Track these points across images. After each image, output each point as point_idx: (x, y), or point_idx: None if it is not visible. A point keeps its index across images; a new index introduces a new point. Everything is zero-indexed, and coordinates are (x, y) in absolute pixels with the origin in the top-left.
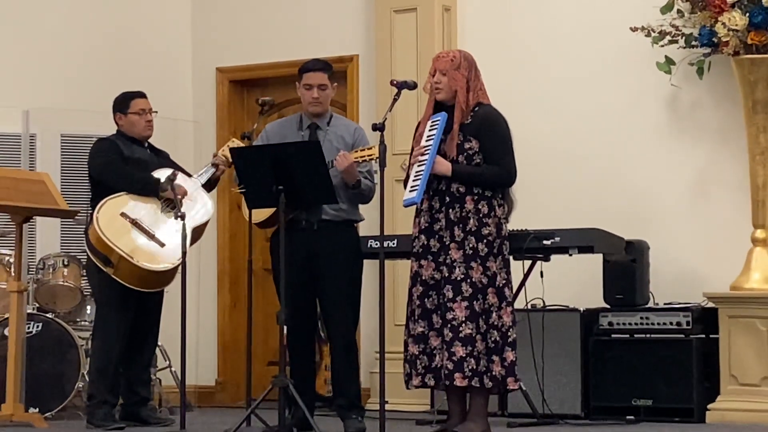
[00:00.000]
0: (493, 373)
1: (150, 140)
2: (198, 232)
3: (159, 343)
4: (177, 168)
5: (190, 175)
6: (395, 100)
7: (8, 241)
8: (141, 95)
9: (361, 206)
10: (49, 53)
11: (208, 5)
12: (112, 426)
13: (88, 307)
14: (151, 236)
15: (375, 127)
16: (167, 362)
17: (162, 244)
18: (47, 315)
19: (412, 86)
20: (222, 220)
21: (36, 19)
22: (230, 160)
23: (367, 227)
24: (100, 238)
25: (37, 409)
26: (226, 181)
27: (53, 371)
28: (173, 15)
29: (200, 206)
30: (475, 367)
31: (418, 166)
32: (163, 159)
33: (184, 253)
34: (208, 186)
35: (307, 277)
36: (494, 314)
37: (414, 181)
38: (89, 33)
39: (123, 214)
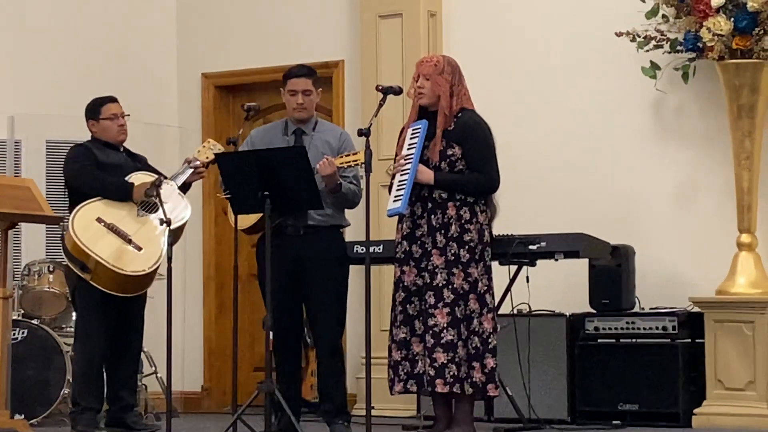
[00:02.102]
0: (474, 379)
1: (135, 145)
2: (177, 234)
3: (145, 349)
4: (154, 172)
5: (165, 178)
6: (381, 105)
7: None
8: (112, 100)
9: (347, 211)
10: (34, 59)
11: (193, 11)
12: None
13: (74, 314)
14: (128, 240)
15: (361, 133)
16: (153, 368)
17: (139, 248)
18: (33, 321)
19: (398, 91)
20: (208, 225)
21: (20, 25)
22: (205, 162)
23: (353, 232)
24: (76, 244)
25: (23, 416)
26: (211, 187)
27: (39, 378)
28: (158, 21)
29: (177, 208)
30: (456, 373)
31: (401, 175)
32: (139, 163)
33: (169, 258)
34: (184, 188)
35: (293, 283)
36: (475, 320)
37: (398, 190)
38: (74, 39)
39: (99, 219)
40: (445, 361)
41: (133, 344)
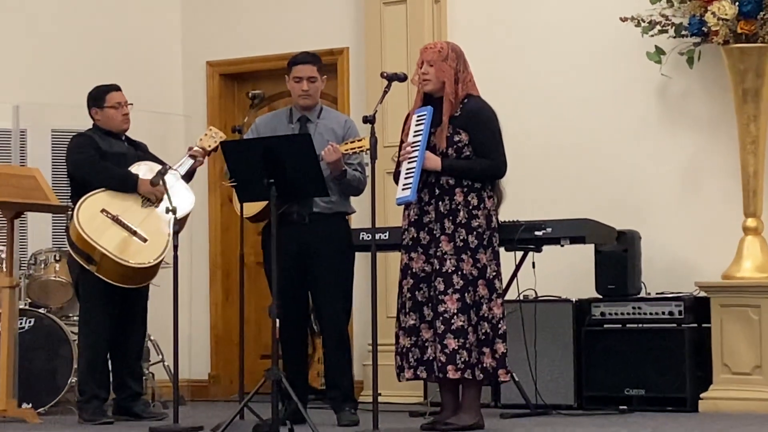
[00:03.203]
0: (484, 365)
1: (140, 134)
2: (181, 223)
3: (151, 338)
4: (155, 160)
5: (170, 167)
6: (386, 92)
7: None
8: (116, 88)
9: (352, 198)
10: (39, 48)
11: None
12: (101, 420)
13: None
14: (133, 232)
15: (366, 120)
16: (160, 356)
17: (144, 240)
18: (39, 310)
19: (403, 78)
20: (213, 214)
21: (26, 14)
22: (207, 150)
23: (358, 219)
24: (81, 236)
25: (30, 405)
26: (217, 175)
27: (46, 367)
28: (163, 9)
29: (181, 198)
30: (467, 359)
31: (409, 163)
32: (141, 151)
33: (175, 247)
34: (187, 177)
35: (299, 270)
36: (484, 306)
37: (406, 178)
38: (79, 28)
39: (103, 211)
40: (456, 347)
41: (137, 332)
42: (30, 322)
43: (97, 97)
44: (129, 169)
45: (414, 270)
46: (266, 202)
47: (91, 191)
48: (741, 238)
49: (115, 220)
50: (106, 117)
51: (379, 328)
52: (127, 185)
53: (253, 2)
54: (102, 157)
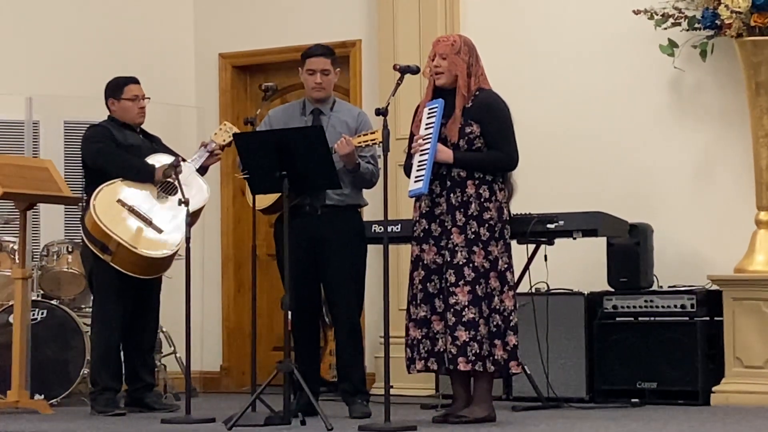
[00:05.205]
0: (496, 357)
1: (152, 126)
2: (195, 216)
3: (164, 329)
4: (170, 152)
5: (184, 160)
6: (398, 84)
7: (12, 228)
8: (134, 81)
9: (365, 191)
10: (52, 40)
11: None
12: (113, 412)
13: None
14: (149, 223)
15: (378, 112)
16: (172, 348)
17: (160, 231)
18: (52, 302)
19: (415, 71)
20: (226, 206)
21: (39, 6)
22: (221, 145)
23: (371, 212)
24: (98, 225)
25: (43, 396)
26: (229, 167)
27: (58, 358)
28: (176, 1)
29: (196, 191)
30: (478, 351)
31: (421, 155)
32: (155, 144)
33: (187, 239)
34: (202, 170)
35: (311, 263)
36: (496, 298)
37: (418, 171)
38: (92, 19)
39: (119, 201)
40: (467, 340)
41: (150, 323)
42: (42, 313)
43: (116, 88)
44: (145, 160)
45: (425, 261)
46: (279, 194)
47: (106, 181)
48: (753, 231)
49: (131, 210)
50: (122, 108)
51: (391, 321)
52: (144, 175)
53: None
54: (117, 148)
